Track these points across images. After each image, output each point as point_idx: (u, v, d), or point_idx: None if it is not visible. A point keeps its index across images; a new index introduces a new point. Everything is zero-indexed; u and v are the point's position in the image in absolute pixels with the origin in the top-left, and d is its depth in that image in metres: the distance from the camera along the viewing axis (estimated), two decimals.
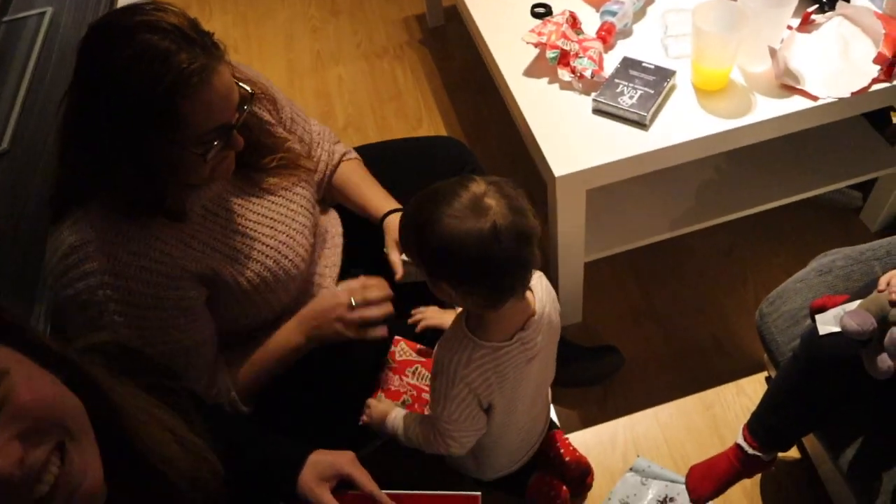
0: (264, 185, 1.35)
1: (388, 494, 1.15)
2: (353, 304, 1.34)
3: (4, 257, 1.47)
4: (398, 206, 1.52)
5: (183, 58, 1.06)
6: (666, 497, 1.63)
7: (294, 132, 1.47)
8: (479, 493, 1.15)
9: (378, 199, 1.53)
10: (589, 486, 1.66)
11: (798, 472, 1.63)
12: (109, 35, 1.07)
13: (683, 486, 1.61)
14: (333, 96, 2.53)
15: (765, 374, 1.82)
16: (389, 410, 1.38)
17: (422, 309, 1.50)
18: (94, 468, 0.67)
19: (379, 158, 1.64)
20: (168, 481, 0.80)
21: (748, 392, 1.80)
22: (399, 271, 1.45)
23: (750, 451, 1.41)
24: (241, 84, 1.20)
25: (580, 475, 1.61)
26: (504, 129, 2.33)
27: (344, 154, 1.58)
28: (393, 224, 1.48)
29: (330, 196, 1.59)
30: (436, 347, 1.25)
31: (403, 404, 1.42)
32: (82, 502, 0.65)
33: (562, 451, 1.60)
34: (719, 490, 1.47)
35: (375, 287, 1.38)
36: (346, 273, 1.55)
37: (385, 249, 1.48)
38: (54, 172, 1.20)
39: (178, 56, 1.06)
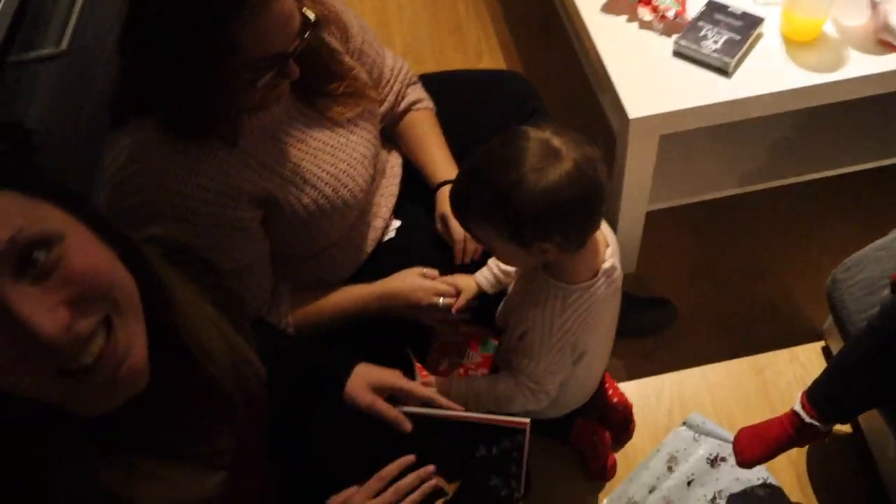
0: (328, 113, 1.30)
1: (440, 414, 1.15)
2: (441, 304, 1.34)
3: (63, 158, 1.45)
4: (455, 173, 1.45)
5: None
6: (717, 456, 1.60)
7: (363, 63, 1.40)
8: (528, 420, 1.14)
9: (438, 162, 1.46)
10: (630, 434, 1.64)
11: (849, 447, 1.59)
12: None
13: None
14: (393, 24, 2.46)
15: (821, 343, 1.76)
16: (448, 386, 1.32)
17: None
18: (139, 347, 0.66)
19: (440, 89, 1.58)
20: (209, 376, 0.79)
21: (802, 360, 1.74)
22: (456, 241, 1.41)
23: (807, 419, 1.36)
24: (304, 10, 1.14)
25: (623, 420, 1.59)
26: (566, 73, 2.24)
27: (415, 102, 1.50)
28: (445, 195, 1.41)
29: (392, 140, 1.54)
30: (514, 310, 1.23)
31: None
32: (125, 379, 0.64)
33: (609, 391, 1.58)
34: (768, 456, 1.43)
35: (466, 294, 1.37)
36: (401, 206, 1.51)
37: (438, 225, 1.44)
38: (115, 77, 1.17)
39: None
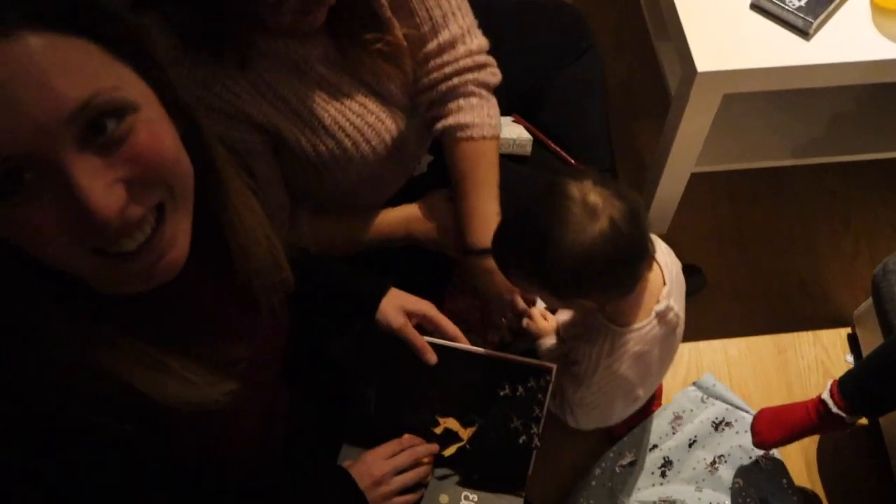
0: (360, 68, 1.14)
1: (467, 349, 1.12)
2: None
3: None
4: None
5: None
6: (723, 420, 1.56)
7: (415, 12, 1.18)
8: (554, 365, 1.11)
9: (483, 221, 1.21)
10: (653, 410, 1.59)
11: (862, 438, 1.55)
12: None
13: (744, 415, 1.54)
14: None
15: (847, 330, 1.70)
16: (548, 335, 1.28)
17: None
18: (184, 240, 0.63)
19: (481, 11, 1.43)
20: (242, 277, 0.76)
21: (825, 344, 1.69)
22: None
23: (834, 409, 1.31)
24: None
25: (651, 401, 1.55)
26: (617, 4, 2.10)
27: (462, 128, 1.20)
28: (493, 270, 1.20)
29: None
30: (567, 335, 1.20)
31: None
32: (162, 270, 0.61)
33: None
34: (787, 440, 1.39)
35: None
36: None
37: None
38: None
39: None
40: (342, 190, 1.25)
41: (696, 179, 1.65)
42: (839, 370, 1.66)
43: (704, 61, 1.29)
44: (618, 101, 1.93)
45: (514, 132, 1.47)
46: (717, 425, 1.56)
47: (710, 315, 1.70)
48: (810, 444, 1.56)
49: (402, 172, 1.34)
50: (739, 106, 1.58)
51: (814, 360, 1.67)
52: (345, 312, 1.13)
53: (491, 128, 1.21)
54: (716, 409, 1.56)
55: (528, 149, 1.44)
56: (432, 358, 1.11)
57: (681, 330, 1.22)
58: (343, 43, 1.13)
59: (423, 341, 1.11)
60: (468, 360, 1.13)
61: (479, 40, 1.23)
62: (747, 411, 1.54)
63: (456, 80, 1.20)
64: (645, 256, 1.04)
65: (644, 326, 1.13)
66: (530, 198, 1.03)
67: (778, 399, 1.62)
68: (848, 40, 1.32)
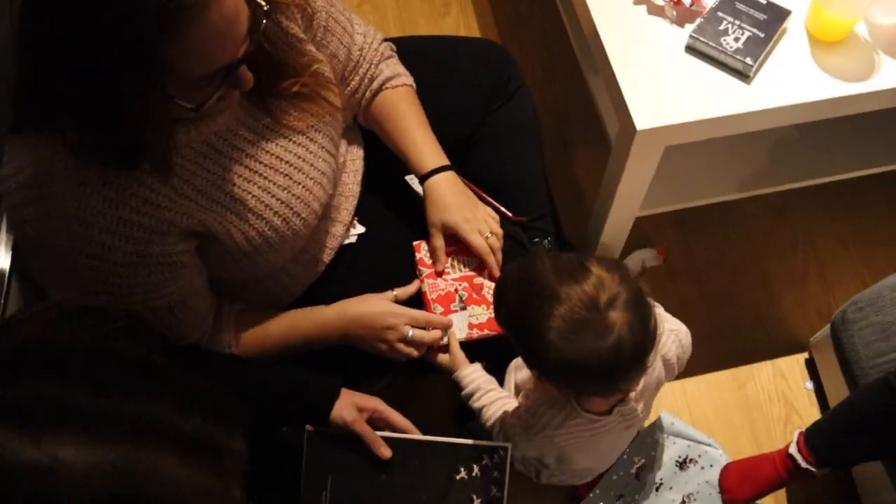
0: (283, 118, 1.07)
1: (419, 439, 1.14)
2: (410, 336, 1.18)
3: None
4: (445, 161, 1.26)
5: None
6: (686, 458, 1.50)
7: (327, 45, 1.16)
8: (509, 444, 1.15)
9: (423, 147, 1.26)
10: None
11: (833, 485, 1.51)
12: None
13: (707, 448, 1.49)
14: None
15: (804, 355, 1.67)
16: (462, 364, 1.21)
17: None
18: None
19: (407, 56, 1.35)
20: None
21: (784, 372, 1.66)
22: (441, 262, 1.24)
23: (803, 464, 1.27)
24: None
25: None
26: (542, 26, 2.02)
27: (390, 79, 1.27)
28: (441, 193, 1.24)
29: (366, 125, 1.32)
30: (533, 384, 1.14)
31: (461, 300, 1.24)
32: None
33: None
34: (757, 496, 1.35)
35: (438, 327, 1.22)
36: (362, 205, 1.31)
37: (430, 232, 1.26)
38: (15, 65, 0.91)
39: None
40: (275, 271, 1.17)
41: (641, 216, 1.59)
42: (800, 399, 1.62)
43: (644, 118, 1.21)
44: (552, 130, 1.85)
45: None
46: (682, 464, 1.50)
47: None
48: (781, 493, 1.52)
49: (332, 241, 1.25)
50: (681, 147, 1.51)
51: (774, 391, 1.63)
52: (298, 418, 1.13)
53: (409, 77, 1.31)
54: (677, 448, 1.50)
55: None
56: (386, 452, 1.12)
57: (640, 425, 1.17)
58: (263, 99, 1.05)
59: (375, 436, 1.12)
60: (422, 450, 1.14)
61: (369, 26, 1.30)
62: (710, 444, 1.49)
63: (373, 67, 1.27)
64: (630, 380, 0.99)
65: (601, 419, 1.08)
66: (553, 265, 0.96)
67: (742, 435, 1.58)
68: (789, 80, 1.26)
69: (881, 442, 1.17)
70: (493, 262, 1.23)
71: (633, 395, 1.06)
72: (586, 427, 1.09)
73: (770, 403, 1.61)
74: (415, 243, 1.28)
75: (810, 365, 1.65)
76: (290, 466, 1.14)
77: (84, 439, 0.42)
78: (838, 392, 1.42)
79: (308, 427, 1.13)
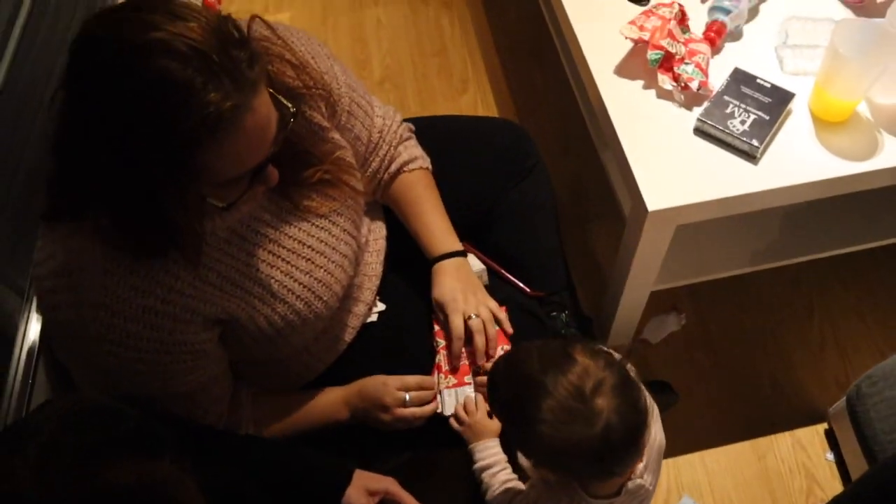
0: (305, 203, 1.12)
1: None
2: (408, 400, 1.21)
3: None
4: (457, 245, 1.32)
5: (208, 98, 0.82)
6: None
7: (351, 129, 1.23)
8: None
9: (435, 232, 1.32)
10: None
11: None
12: (109, 53, 0.82)
13: None
14: (370, 42, 2.27)
15: (824, 425, 1.67)
16: (488, 437, 1.22)
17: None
18: None
19: (428, 138, 1.41)
20: None
21: (804, 443, 1.65)
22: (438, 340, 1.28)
23: None
24: (282, 99, 0.96)
25: None
26: (558, 104, 2.09)
27: (408, 162, 1.33)
28: (444, 275, 1.29)
29: (385, 203, 1.38)
30: (535, 483, 1.14)
31: (477, 373, 1.26)
32: None
33: None
34: None
35: (430, 387, 1.25)
36: (384, 283, 1.35)
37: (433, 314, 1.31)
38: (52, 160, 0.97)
39: (203, 95, 0.82)
40: (297, 351, 1.21)
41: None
42: (821, 470, 1.62)
43: (654, 200, 1.25)
44: (568, 204, 1.91)
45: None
46: None
47: (683, 427, 1.65)
48: None
49: (354, 320, 1.29)
50: (695, 224, 1.55)
51: (795, 463, 1.63)
52: (311, 501, 1.14)
53: (426, 160, 1.36)
54: None
55: (485, 278, 1.40)
56: None
57: (651, 498, 1.17)
58: (286, 189, 1.10)
59: None
60: None
61: (388, 106, 1.35)
62: None
63: (392, 150, 1.33)
64: (625, 464, 1.00)
65: (611, 501, 1.08)
66: (539, 356, 0.99)
67: None
68: (795, 160, 1.30)
69: None
70: (458, 348, 1.25)
71: (639, 468, 1.07)
72: None
73: (791, 476, 1.61)
74: (434, 321, 1.31)
75: (830, 435, 1.65)
76: None
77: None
78: (859, 463, 1.42)
79: None
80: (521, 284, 1.44)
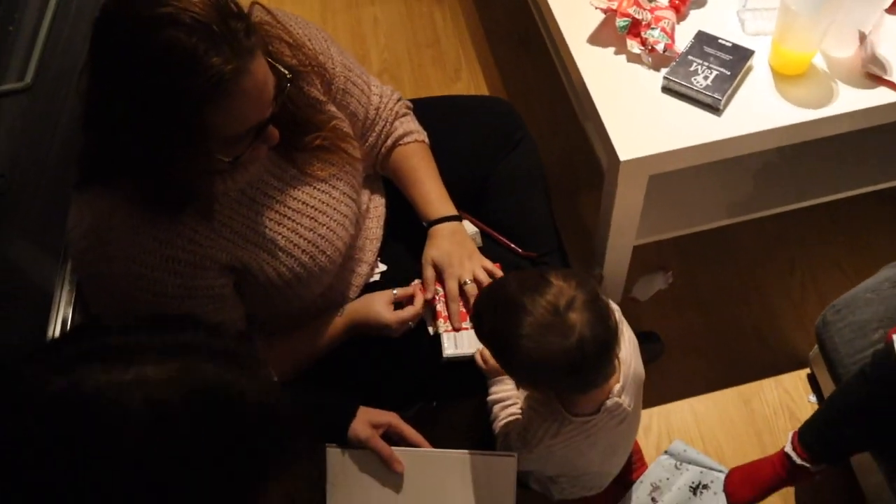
0: (307, 169, 1.25)
1: (431, 452, 1.25)
2: (395, 293, 1.34)
3: (28, 196, 1.39)
4: (452, 211, 1.43)
5: (211, 62, 0.94)
6: (699, 483, 1.59)
7: (347, 106, 1.35)
8: (515, 454, 1.23)
9: (431, 199, 1.43)
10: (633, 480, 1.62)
11: (839, 483, 1.59)
12: (125, 27, 0.95)
13: (719, 474, 1.58)
14: (368, 38, 2.40)
15: (807, 370, 1.76)
16: (505, 376, 1.32)
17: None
18: None
19: (423, 116, 1.53)
20: None
21: (788, 388, 1.74)
22: (430, 289, 1.37)
23: (798, 461, 1.36)
24: (278, 66, 1.09)
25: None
26: (547, 88, 2.21)
27: (404, 136, 1.45)
28: (440, 237, 1.40)
29: (385, 174, 1.49)
30: (525, 410, 1.24)
31: None
32: None
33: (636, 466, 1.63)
34: (760, 497, 1.43)
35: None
36: (386, 246, 1.47)
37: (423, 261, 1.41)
38: (82, 133, 1.10)
39: (206, 59, 0.94)
40: (306, 306, 1.32)
41: (644, 244, 1.72)
42: (804, 411, 1.70)
43: (625, 150, 1.36)
44: (558, 178, 2.01)
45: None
46: (695, 489, 1.59)
47: (672, 376, 1.75)
48: (789, 495, 1.59)
49: (357, 279, 1.40)
50: (670, 177, 1.66)
51: (779, 406, 1.72)
52: (317, 435, 1.21)
53: (422, 133, 1.48)
54: (691, 474, 1.59)
55: (479, 240, 1.50)
56: (398, 467, 1.22)
57: (632, 421, 1.27)
58: (289, 153, 1.23)
59: (390, 450, 1.22)
60: (433, 462, 1.24)
61: (387, 87, 1.47)
62: (721, 471, 1.58)
63: (388, 125, 1.44)
64: (599, 377, 1.10)
65: (591, 419, 1.18)
66: (518, 282, 1.10)
67: (750, 449, 1.66)
68: (756, 110, 1.40)
69: (864, 431, 1.26)
70: (456, 309, 1.35)
71: (616, 388, 1.17)
72: (579, 431, 1.19)
73: (775, 417, 1.70)
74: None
75: (812, 380, 1.74)
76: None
77: (157, 361, 0.57)
78: None
79: (329, 445, 1.24)
80: (512, 245, 1.54)
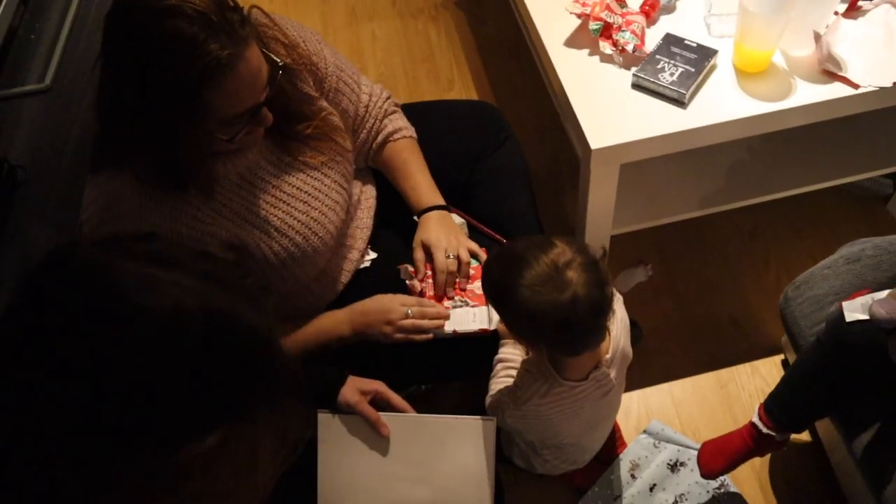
0: (301, 157, 1.36)
1: (416, 416, 1.32)
2: (410, 313, 1.39)
3: (48, 192, 1.50)
4: (440, 200, 1.53)
5: (210, 48, 1.05)
6: (677, 461, 1.67)
7: (339, 103, 1.46)
8: (494, 418, 1.33)
9: (421, 190, 1.54)
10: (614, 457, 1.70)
11: (808, 455, 1.67)
12: (134, 17, 1.07)
13: (694, 452, 1.65)
14: (366, 53, 2.53)
15: (781, 356, 1.84)
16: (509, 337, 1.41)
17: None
18: None
19: (413, 119, 1.64)
20: None
21: (763, 373, 1.82)
22: (421, 270, 1.48)
23: (764, 430, 1.44)
24: (272, 56, 1.20)
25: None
26: (535, 98, 2.33)
27: (393, 133, 1.56)
28: (429, 222, 1.50)
29: (376, 168, 1.60)
30: (520, 372, 1.33)
31: (461, 301, 1.47)
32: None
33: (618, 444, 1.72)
34: (730, 466, 1.51)
35: (433, 306, 1.44)
36: (376, 236, 1.57)
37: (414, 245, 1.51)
38: (95, 122, 1.22)
39: (205, 46, 1.05)
40: (300, 287, 1.42)
41: (621, 239, 1.82)
42: None
43: (596, 139, 1.47)
44: (543, 180, 2.12)
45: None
46: (673, 467, 1.67)
47: (652, 362, 1.83)
48: (762, 466, 1.67)
49: (349, 265, 1.51)
50: (644, 169, 1.76)
51: (754, 389, 1.80)
52: (309, 402, 1.28)
53: (410, 130, 1.59)
54: (668, 452, 1.67)
55: (465, 231, 1.60)
56: (385, 430, 1.31)
57: (614, 396, 1.35)
58: (284, 142, 1.34)
59: (377, 415, 1.31)
60: (418, 425, 1.32)
61: (377, 85, 1.56)
62: (697, 448, 1.66)
63: (378, 123, 1.54)
64: (589, 341, 1.19)
65: (579, 385, 1.27)
66: (527, 242, 1.19)
67: (725, 429, 1.71)
68: (719, 103, 1.51)
69: (822, 397, 1.35)
70: (443, 280, 1.45)
71: (605, 359, 1.26)
72: (567, 394, 1.29)
73: (751, 400, 1.78)
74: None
75: (786, 365, 1.82)
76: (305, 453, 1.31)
77: (190, 275, 0.64)
78: None
79: (320, 410, 1.33)
80: (497, 236, 1.64)
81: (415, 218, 1.60)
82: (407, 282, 1.48)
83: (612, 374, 1.31)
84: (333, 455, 1.32)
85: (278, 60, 1.21)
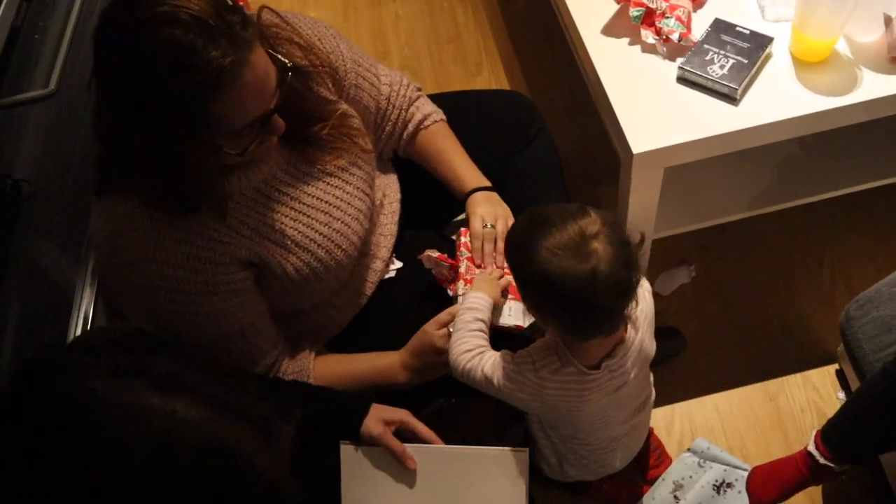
0: (319, 163, 1.25)
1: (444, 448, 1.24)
2: (450, 330, 1.29)
3: (52, 200, 1.42)
4: (485, 182, 1.44)
5: (210, 56, 0.95)
6: (723, 482, 1.56)
7: (360, 100, 1.35)
8: (527, 448, 1.23)
9: (464, 175, 1.44)
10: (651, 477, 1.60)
11: (867, 480, 1.54)
12: (124, 30, 0.96)
13: (743, 473, 1.54)
14: (389, 35, 2.39)
15: (835, 366, 1.71)
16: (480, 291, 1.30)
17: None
18: None
19: (445, 114, 1.52)
20: None
21: (816, 384, 1.70)
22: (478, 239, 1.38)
23: (821, 460, 1.32)
24: (279, 57, 1.08)
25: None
26: (567, 80, 2.18)
27: (424, 119, 1.46)
28: (477, 201, 1.41)
29: (409, 158, 1.50)
30: (535, 345, 1.22)
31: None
32: None
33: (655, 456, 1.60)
34: (783, 496, 1.39)
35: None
36: (400, 243, 1.46)
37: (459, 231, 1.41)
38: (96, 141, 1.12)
39: (205, 54, 0.94)
40: (323, 303, 1.32)
41: (664, 241, 1.69)
42: (832, 408, 1.63)
43: (639, 142, 1.33)
44: (578, 168, 1.99)
45: None
46: (719, 488, 1.56)
47: (695, 372, 1.71)
48: (815, 493, 1.55)
49: (373, 276, 1.40)
50: (688, 169, 1.62)
51: (806, 402, 1.67)
52: (331, 432, 1.23)
53: (439, 113, 1.49)
54: (714, 472, 1.56)
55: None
56: (411, 464, 1.22)
57: (631, 393, 1.25)
58: (301, 148, 1.24)
59: (402, 448, 1.22)
60: (446, 458, 1.23)
61: (395, 72, 1.46)
62: (745, 469, 1.54)
63: (404, 113, 1.45)
64: (603, 323, 1.08)
65: (591, 374, 1.17)
66: (559, 208, 1.10)
67: (775, 446, 1.63)
68: (776, 98, 1.37)
69: (887, 430, 1.22)
70: (479, 246, 1.36)
71: (620, 350, 1.15)
72: (576, 379, 1.17)
73: (802, 415, 1.66)
74: (462, 229, 1.42)
75: (841, 376, 1.69)
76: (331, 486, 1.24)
77: (191, 401, 0.58)
78: None
79: (343, 442, 1.23)
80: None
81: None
82: (433, 271, 1.38)
83: (628, 366, 1.19)
84: (358, 489, 1.23)
85: (286, 61, 1.10)
